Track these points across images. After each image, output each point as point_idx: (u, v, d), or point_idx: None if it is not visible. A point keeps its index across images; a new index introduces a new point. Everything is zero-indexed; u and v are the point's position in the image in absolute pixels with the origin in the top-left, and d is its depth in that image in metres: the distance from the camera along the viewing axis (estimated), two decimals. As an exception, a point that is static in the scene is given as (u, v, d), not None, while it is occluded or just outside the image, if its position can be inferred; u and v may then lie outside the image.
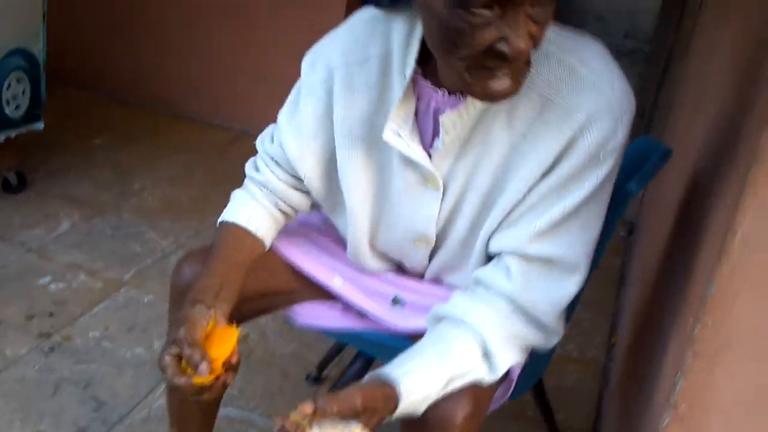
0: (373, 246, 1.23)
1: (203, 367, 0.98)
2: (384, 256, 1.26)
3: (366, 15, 1.13)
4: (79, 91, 3.68)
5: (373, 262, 1.26)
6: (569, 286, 1.07)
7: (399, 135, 1.07)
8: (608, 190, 1.06)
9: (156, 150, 3.25)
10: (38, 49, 2.42)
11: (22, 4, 2.31)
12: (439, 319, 1.08)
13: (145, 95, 3.67)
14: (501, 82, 0.91)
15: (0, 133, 2.40)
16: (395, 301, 1.21)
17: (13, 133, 2.45)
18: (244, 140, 3.47)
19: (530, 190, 1.04)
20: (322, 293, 1.28)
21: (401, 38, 1.07)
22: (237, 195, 1.27)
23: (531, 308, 1.06)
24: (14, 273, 2.23)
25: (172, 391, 1.35)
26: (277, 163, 1.25)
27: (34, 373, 1.86)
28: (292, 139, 1.19)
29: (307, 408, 0.87)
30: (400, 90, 1.06)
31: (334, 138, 1.16)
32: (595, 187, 1.02)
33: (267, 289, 1.26)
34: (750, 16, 1.22)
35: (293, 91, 1.21)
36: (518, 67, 0.91)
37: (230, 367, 1.02)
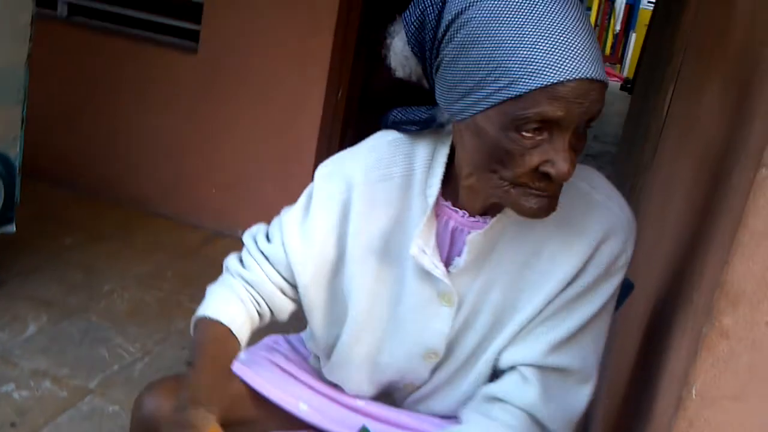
0: (375, 361, 1.22)
1: None
2: (375, 378, 1.25)
3: (389, 137, 1.17)
4: (52, 188, 3.68)
5: (357, 382, 1.26)
6: (583, 396, 1.12)
7: (424, 252, 1.10)
8: (614, 302, 1.13)
9: (127, 249, 3.25)
10: (15, 154, 2.46)
11: (2, 107, 2.36)
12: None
13: (118, 193, 3.69)
14: (542, 201, 0.98)
15: (-29, 236, 2.41)
16: (363, 430, 1.22)
17: (-16, 236, 2.46)
18: (216, 241, 3.50)
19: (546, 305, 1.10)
20: (288, 422, 1.28)
21: (424, 161, 1.13)
22: (217, 291, 1.25)
23: (548, 421, 1.09)
24: (-24, 379, 2.20)
25: None
26: (271, 263, 1.24)
27: (-8, 489, 1.82)
28: (298, 243, 1.20)
29: None
30: (423, 209, 1.11)
31: (339, 251, 1.19)
32: (606, 300, 1.10)
33: (230, 419, 1.25)
34: (709, 147, 1.27)
35: (304, 197, 1.23)
36: (557, 188, 0.99)
37: None
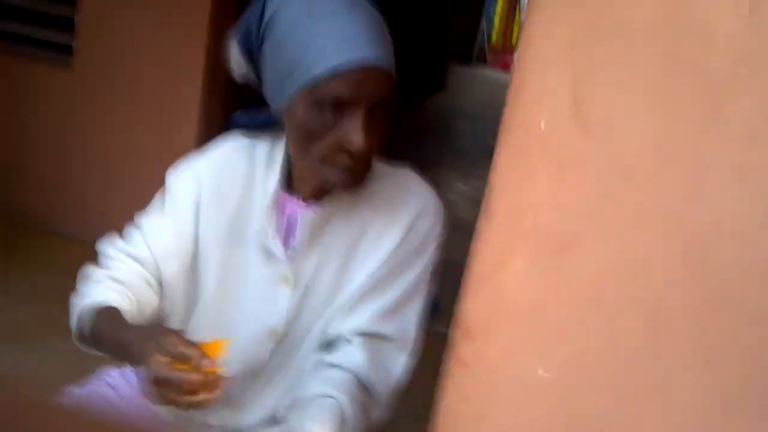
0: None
1: (205, 361, 1.02)
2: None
3: (233, 139, 1.33)
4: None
5: None
6: (401, 363, 1.25)
7: (264, 233, 1.25)
8: (427, 283, 1.29)
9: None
10: None
11: None
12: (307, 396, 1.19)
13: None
14: (345, 174, 1.17)
15: None
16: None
17: None
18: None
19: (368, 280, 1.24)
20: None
21: (264, 156, 1.30)
22: (87, 291, 1.27)
23: (373, 384, 1.22)
24: None
25: None
26: (135, 259, 1.30)
27: None
28: (160, 238, 1.31)
29: None
30: (264, 199, 1.25)
31: (195, 241, 1.31)
32: (422, 272, 1.27)
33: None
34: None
35: (158, 198, 1.33)
36: (358, 163, 1.16)
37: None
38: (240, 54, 1.24)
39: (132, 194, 3.57)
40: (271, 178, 1.27)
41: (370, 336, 1.24)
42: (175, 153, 3.40)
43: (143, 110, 3.39)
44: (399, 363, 1.25)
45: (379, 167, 1.31)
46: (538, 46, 0.84)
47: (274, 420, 1.31)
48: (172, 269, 1.30)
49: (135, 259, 1.32)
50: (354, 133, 1.12)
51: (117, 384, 1.43)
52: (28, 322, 2.80)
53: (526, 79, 0.85)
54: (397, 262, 1.26)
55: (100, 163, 3.50)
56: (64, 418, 1.30)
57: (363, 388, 1.22)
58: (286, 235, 1.28)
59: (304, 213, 1.26)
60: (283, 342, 1.30)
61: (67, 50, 3.42)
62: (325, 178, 1.19)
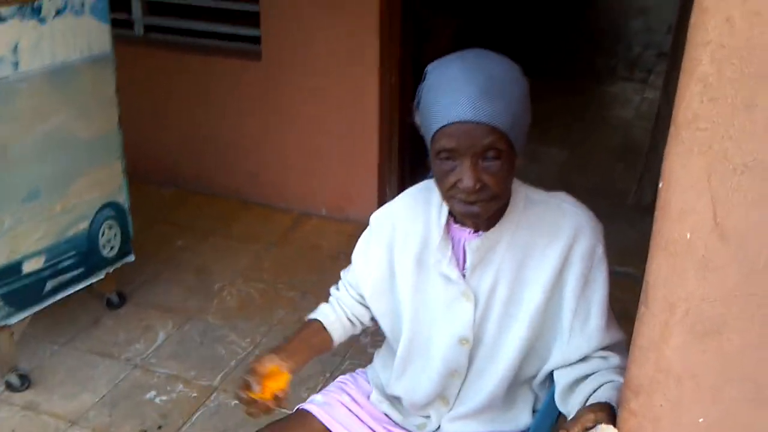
0: (428, 355, 1.61)
1: (256, 387, 1.49)
2: (429, 372, 1.62)
3: (418, 187, 1.65)
4: (157, 189, 4.19)
5: (417, 381, 1.63)
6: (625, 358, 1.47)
7: (441, 262, 1.54)
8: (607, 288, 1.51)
9: (228, 242, 3.72)
10: (123, 199, 2.91)
11: (106, 166, 2.81)
12: (577, 395, 1.47)
13: (213, 187, 4.15)
14: (467, 207, 1.41)
15: (101, 271, 2.91)
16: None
17: (111, 269, 2.95)
18: (302, 221, 3.93)
19: (545, 300, 1.48)
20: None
21: (438, 199, 1.55)
22: (322, 305, 1.77)
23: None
24: (126, 390, 2.72)
25: None
26: (350, 285, 1.74)
27: (152, 485, 2.34)
28: (360, 266, 1.69)
29: None
30: (438, 233, 1.54)
31: (390, 270, 1.63)
32: (606, 286, 1.49)
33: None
34: None
35: (364, 236, 1.71)
36: (477, 198, 1.39)
37: (276, 398, 1.51)
38: (417, 115, 1.53)
39: (321, 170, 3.97)
40: (443, 213, 1.54)
41: (604, 348, 1.48)
42: (359, 123, 3.78)
43: (327, 91, 3.72)
44: (625, 358, 1.48)
45: (536, 195, 1.52)
46: (678, 174, 1.02)
47: (473, 416, 1.62)
48: (369, 288, 1.67)
49: (349, 283, 1.75)
50: (461, 174, 1.37)
51: (350, 389, 1.78)
52: (255, 296, 3.28)
53: (671, 200, 1.04)
54: (580, 281, 1.46)
55: (296, 145, 3.88)
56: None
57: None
58: (464, 260, 1.53)
59: (470, 241, 1.51)
60: (476, 349, 1.56)
61: (255, 42, 3.79)
62: (453, 210, 1.47)
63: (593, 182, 4.25)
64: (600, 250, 1.48)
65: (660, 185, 1.06)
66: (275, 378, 1.54)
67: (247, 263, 3.55)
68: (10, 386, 2.69)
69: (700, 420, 1.12)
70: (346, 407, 1.71)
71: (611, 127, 5.48)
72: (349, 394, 1.74)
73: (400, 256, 1.61)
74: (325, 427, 1.66)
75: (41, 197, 2.60)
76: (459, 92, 1.35)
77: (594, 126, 5.46)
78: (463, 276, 1.53)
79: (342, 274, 1.79)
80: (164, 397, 2.69)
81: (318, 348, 1.72)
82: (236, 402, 2.64)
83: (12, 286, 2.57)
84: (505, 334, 1.54)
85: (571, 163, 4.76)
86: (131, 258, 3.05)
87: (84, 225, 2.78)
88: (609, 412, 1.32)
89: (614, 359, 1.48)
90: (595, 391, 1.43)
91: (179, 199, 4.16)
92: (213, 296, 3.29)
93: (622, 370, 1.47)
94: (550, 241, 1.47)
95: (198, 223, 3.91)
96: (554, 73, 6.38)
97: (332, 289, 1.80)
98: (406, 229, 1.61)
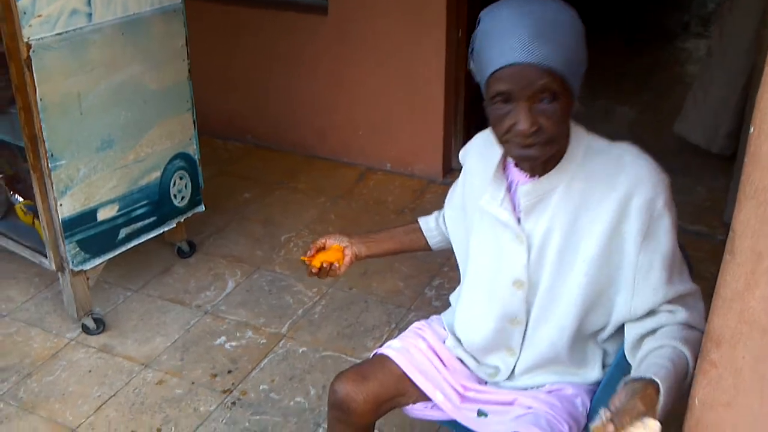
0: (488, 289, 1.62)
1: (309, 252, 1.77)
2: (490, 309, 1.62)
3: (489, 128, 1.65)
4: (225, 143, 4.25)
5: (479, 317, 1.65)
6: (701, 303, 1.49)
7: (491, 203, 1.56)
8: (676, 239, 1.48)
9: (295, 195, 3.76)
10: (193, 150, 2.95)
11: (177, 117, 2.85)
12: (641, 351, 1.46)
13: (281, 142, 4.19)
14: (523, 149, 1.40)
15: (173, 220, 2.97)
16: (480, 413, 1.63)
17: (182, 218, 3.01)
18: (368, 176, 3.93)
19: (601, 249, 1.46)
20: (425, 398, 1.70)
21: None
22: (429, 216, 1.92)
23: (696, 323, 1.45)
24: (197, 336, 2.80)
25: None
26: (441, 212, 1.87)
27: (222, 427, 2.40)
28: (448, 197, 1.83)
29: (608, 427, 1.21)
30: (492, 172, 1.55)
31: (463, 206, 1.71)
32: (670, 238, 1.44)
33: (390, 393, 1.69)
34: None
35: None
36: (534, 141, 1.38)
37: (322, 268, 1.75)
38: (472, 62, 1.53)
39: (387, 126, 3.96)
40: (498, 153, 1.55)
41: (671, 301, 1.45)
42: (424, 80, 3.75)
43: (394, 47, 3.67)
44: (701, 303, 1.49)
45: (599, 144, 1.49)
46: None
47: (542, 366, 1.61)
48: (449, 219, 1.80)
49: (442, 211, 1.86)
50: (517, 117, 1.36)
51: (426, 335, 1.79)
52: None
53: (762, 146, 1.00)
54: (639, 234, 1.42)
55: (362, 100, 3.87)
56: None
57: (692, 329, 1.45)
58: (513, 203, 1.54)
59: (522, 185, 1.51)
60: (532, 296, 1.55)
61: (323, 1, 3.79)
62: (510, 155, 1.48)
63: (664, 142, 4.15)
64: (660, 203, 1.43)
65: (751, 131, 1.02)
66: (331, 252, 1.76)
67: (313, 216, 3.58)
68: (86, 329, 2.79)
69: (784, 374, 1.09)
70: (423, 353, 1.73)
71: (685, 84, 5.32)
72: (425, 340, 1.76)
73: (468, 193, 1.66)
74: (403, 372, 1.68)
75: (114, 147, 2.65)
76: (510, 35, 1.34)
77: (666, 84, 5.31)
78: (518, 220, 1.53)
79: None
80: (234, 343, 2.75)
81: (407, 244, 1.88)
82: (304, 349, 2.72)
83: (87, 232, 2.65)
84: (562, 281, 1.52)
85: (644, 121, 4.65)
86: (201, 208, 3.10)
87: (156, 175, 2.84)
88: (655, 400, 1.28)
89: (681, 314, 1.45)
90: (653, 352, 1.41)
91: (247, 153, 4.21)
92: (280, 247, 3.34)
93: (689, 325, 1.46)
94: (607, 193, 1.44)
95: (265, 176, 3.95)
96: (627, 30, 6.20)
97: (436, 213, 1.90)
98: (473, 166, 1.66)
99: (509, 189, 1.55)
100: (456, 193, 1.78)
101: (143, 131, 2.75)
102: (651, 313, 1.47)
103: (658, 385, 1.29)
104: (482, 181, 1.60)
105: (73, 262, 2.64)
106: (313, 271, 1.76)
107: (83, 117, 2.52)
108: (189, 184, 2.98)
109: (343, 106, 3.97)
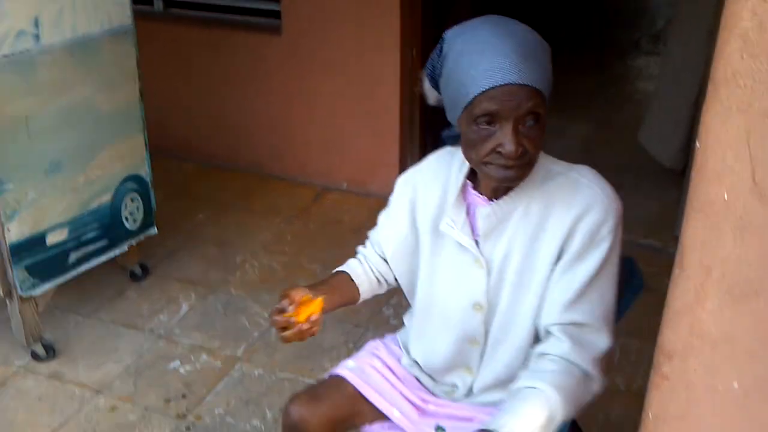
0: (444, 315, 1.61)
1: (290, 308, 1.49)
2: (447, 335, 1.62)
3: (442, 152, 1.64)
4: (179, 163, 4.19)
5: (436, 342, 1.64)
6: (601, 342, 1.47)
7: (452, 227, 1.54)
8: (612, 269, 1.47)
9: (250, 216, 3.72)
10: (145, 172, 2.91)
11: (128, 139, 2.81)
12: (514, 390, 1.45)
13: (235, 161, 4.15)
14: (505, 171, 1.39)
15: (124, 243, 2.93)
16: (438, 429, 1.61)
17: (134, 241, 2.97)
18: (324, 195, 3.92)
19: (551, 271, 1.46)
20: (381, 418, 1.69)
21: (458, 164, 1.56)
22: (350, 260, 1.78)
23: (580, 361, 1.43)
24: (150, 361, 2.74)
25: None
26: (376, 243, 1.75)
27: (178, 453, 2.36)
28: (383, 226, 1.72)
29: None
30: (453, 196, 1.53)
31: (413, 232, 1.64)
32: (600, 264, 1.44)
33: (350, 413, 1.67)
34: None
35: (390, 200, 1.71)
36: (516, 162, 1.37)
37: (309, 321, 1.50)
38: (429, 84, 1.52)
39: (342, 145, 3.96)
40: (459, 179, 1.53)
41: (564, 325, 1.44)
42: (381, 98, 3.76)
43: (348, 65, 3.69)
44: (600, 341, 1.45)
45: (557, 167, 1.49)
46: (717, 133, 1.00)
47: (500, 385, 1.61)
48: (390, 248, 1.69)
49: (374, 242, 1.76)
50: (504, 138, 1.34)
51: (381, 354, 1.77)
52: (277, 269, 3.28)
53: (708, 160, 1.01)
54: (571, 256, 1.43)
55: (317, 119, 3.87)
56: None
57: (574, 368, 1.45)
58: (472, 227, 1.53)
59: (481, 208, 1.50)
60: (491, 318, 1.55)
61: (275, 17, 3.77)
62: (488, 176, 1.42)
63: (617, 157, 4.21)
64: (606, 229, 1.44)
65: (696, 145, 1.03)
66: (308, 304, 1.56)
67: (268, 237, 3.55)
68: (35, 356, 2.71)
69: (735, 385, 1.11)
70: (378, 372, 1.71)
71: (635, 101, 5.42)
72: (380, 359, 1.75)
73: (421, 218, 1.62)
74: (358, 391, 1.66)
75: (64, 170, 2.60)
76: (498, 54, 1.33)
77: (618, 101, 5.40)
78: (476, 243, 1.52)
79: (369, 233, 1.81)
80: (188, 367, 2.71)
81: (346, 297, 1.72)
82: (260, 372, 2.69)
83: (36, 257, 2.59)
84: (519, 303, 1.52)
85: (596, 138, 4.72)
86: (154, 231, 3.06)
87: (107, 197, 2.79)
88: None
89: (565, 345, 1.44)
90: (523, 391, 1.42)
91: (201, 173, 4.17)
92: (235, 269, 3.30)
93: (568, 360, 1.44)
94: (563, 215, 1.45)
95: (219, 197, 3.91)
96: (577, 48, 6.30)
97: (359, 247, 1.81)
98: (426, 191, 1.62)
99: (467, 212, 1.54)
100: (394, 221, 1.68)
101: (94, 153, 2.70)
102: (549, 333, 1.49)
103: None
104: (440, 205, 1.58)
105: (21, 288, 2.57)
106: (304, 329, 1.50)
107: (31, 140, 2.47)
108: (141, 207, 2.94)
109: (298, 125, 3.96)
